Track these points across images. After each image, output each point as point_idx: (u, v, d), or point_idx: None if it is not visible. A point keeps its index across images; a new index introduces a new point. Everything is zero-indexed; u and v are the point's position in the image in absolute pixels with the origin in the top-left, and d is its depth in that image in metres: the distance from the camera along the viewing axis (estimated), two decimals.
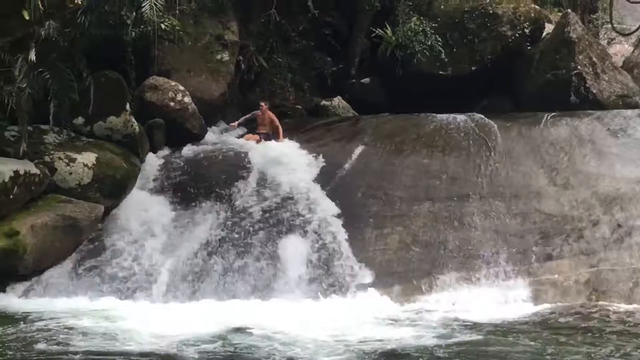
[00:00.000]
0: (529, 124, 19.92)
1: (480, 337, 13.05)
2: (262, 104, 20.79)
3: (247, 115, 21.15)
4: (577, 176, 18.18)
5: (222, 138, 20.79)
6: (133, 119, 18.74)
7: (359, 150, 19.47)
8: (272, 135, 20.63)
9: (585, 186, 17.91)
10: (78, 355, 11.49)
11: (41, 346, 11.99)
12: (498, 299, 15.73)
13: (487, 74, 23.35)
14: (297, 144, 19.84)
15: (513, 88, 23.78)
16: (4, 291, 16.03)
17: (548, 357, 11.75)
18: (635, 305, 15.25)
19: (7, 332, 13.02)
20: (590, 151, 18.82)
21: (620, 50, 26.12)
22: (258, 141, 20.29)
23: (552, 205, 17.63)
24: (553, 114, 20.19)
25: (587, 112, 20.38)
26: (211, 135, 20.69)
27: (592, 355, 11.73)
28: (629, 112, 20.51)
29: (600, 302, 15.44)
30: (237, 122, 21.10)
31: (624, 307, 15.17)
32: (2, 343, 12.33)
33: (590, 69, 22.13)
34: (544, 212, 17.50)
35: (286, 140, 20.25)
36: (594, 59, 22.42)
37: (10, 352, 11.75)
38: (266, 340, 12.55)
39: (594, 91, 21.78)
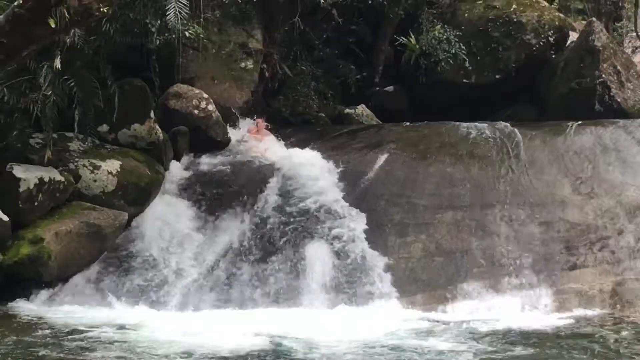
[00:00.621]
0: (553, 133, 19.86)
1: (505, 346, 13.02)
2: (259, 119, 20.64)
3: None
4: (602, 185, 18.10)
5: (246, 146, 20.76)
6: (157, 127, 18.77)
7: (382, 158, 19.42)
8: None
9: (609, 195, 17.82)
10: None
11: (62, 355, 12.05)
12: (522, 307, 15.65)
13: (511, 82, 23.33)
14: (320, 153, 19.76)
15: (537, 97, 23.72)
16: (28, 298, 16.07)
17: None
18: None
19: (30, 340, 13.03)
20: (615, 160, 18.74)
21: None
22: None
23: (576, 213, 17.54)
24: (577, 122, 20.10)
25: (612, 121, 20.32)
26: (235, 143, 20.63)
27: None
28: None
29: (624, 313, 15.38)
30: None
31: None
32: (24, 350, 12.37)
33: (615, 78, 22.05)
34: (568, 220, 17.41)
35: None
36: (619, 68, 22.35)
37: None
38: (292, 349, 12.56)
39: (619, 100, 21.72)
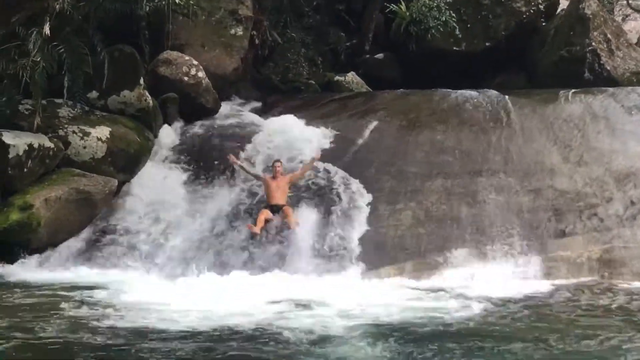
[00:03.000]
0: (543, 101, 19.87)
1: (493, 312, 13.08)
2: (278, 163, 17.26)
3: (253, 171, 17.86)
4: (591, 153, 18.10)
5: (235, 113, 20.66)
6: (147, 93, 18.74)
7: (372, 126, 19.42)
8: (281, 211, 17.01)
9: (598, 163, 17.83)
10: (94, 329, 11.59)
11: (56, 320, 12.07)
12: (511, 274, 15.67)
13: (501, 50, 23.32)
14: (310, 120, 19.69)
15: (527, 65, 23.70)
16: (16, 262, 16.06)
17: (558, 333, 11.79)
18: None
19: (21, 302, 13.18)
20: (604, 128, 18.74)
21: (636, 26, 26.04)
22: (267, 222, 16.65)
23: (565, 182, 17.55)
24: (567, 90, 20.08)
25: (601, 89, 20.30)
26: (225, 109, 20.58)
27: (601, 332, 11.74)
28: None
29: (612, 280, 15.42)
30: (238, 163, 17.88)
31: (636, 284, 15.10)
32: (16, 313, 12.46)
33: (605, 46, 22.04)
34: (557, 188, 17.42)
35: (297, 227, 16.51)
36: (609, 36, 22.34)
37: (22, 321, 11.85)
38: (288, 314, 12.60)
39: (608, 68, 21.72)
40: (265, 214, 16.66)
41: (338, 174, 17.87)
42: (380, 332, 11.65)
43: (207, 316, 12.33)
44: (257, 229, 16.22)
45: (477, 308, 13.21)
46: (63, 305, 13.09)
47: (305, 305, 13.02)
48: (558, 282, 15.34)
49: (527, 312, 13.12)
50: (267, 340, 11.17)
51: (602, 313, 13.02)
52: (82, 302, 13.40)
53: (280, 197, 17.02)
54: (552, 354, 10.59)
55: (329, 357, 10.40)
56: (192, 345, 10.91)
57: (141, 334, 11.43)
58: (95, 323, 11.80)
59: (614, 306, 13.41)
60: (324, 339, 11.23)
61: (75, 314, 12.64)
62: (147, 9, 19.13)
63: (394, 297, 14.06)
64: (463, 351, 10.74)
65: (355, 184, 17.63)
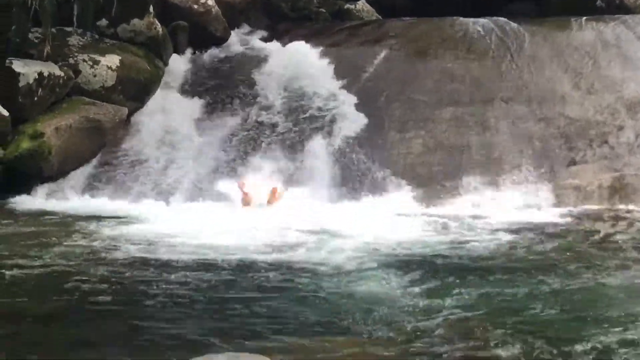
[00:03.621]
0: (554, 29, 19.67)
1: (503, 241, 13.11)
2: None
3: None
4: (602, 81, 18.00)
5: (245, 41, 20.53)
6: (156, 22, 18.58)
7: (382, 54, 19.25)
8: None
9: (610, 91, 17.74)
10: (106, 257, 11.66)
11: (64, 249, 12.15)
12: (521, 202, 15.69)
13: None
14: (320, 49, 19.54)
15: None
16: (29, 193, 16.10)
17: (568, 262, 11.83)
18: None
19: (28, 231, 13.27)
20: (616, 56, 18.59)
21: None
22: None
23: (576, 109, 17.48)
24: (578, 18, 19.88)
25: (614, 17, 20.06)
26: (234, 38, 20.44)
27: (609, 259, 11.81)
28: None
29: (622, 207, 15.44)
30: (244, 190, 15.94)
31: None
32: (22, 240, 12.59)
33: None
34: (568, 116, 17.36)
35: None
36: None
37: (27, 249, 12.01)
38: (304, 244, 12.66)
39: None
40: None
41: (346, 103, 17.81)
42: (392, 261, 11.70)
43: (219, 245, 12.40)
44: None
45: (487, 236, 13.26)
46: (70, 233, 13.20)
47: (320, 233, 13.08)
48: (568, 210, 15.35)
49: (537, 240, 13.15)
50: (285, 270, 11.24)
51: (610, 241, 13.09)
52: (90, 231, 13.50)
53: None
54: (563, 283, 10.63)
55: (350, 287, 10.45)
56: (208, 276, 10.95)
57: (150, 262, 11.48)
58: (103, 253, 11.87)
59: (622, 234, 13.47)
60: (339, 269, 11.29)
61: (82, 243, 12.71)
62: None
63: (404, 225, 14.12)
64: (476, 280, 10.79)
65: (365, 113, 17.56)
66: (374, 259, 11.85)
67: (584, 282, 10.59)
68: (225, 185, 16.04)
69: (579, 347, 8.00)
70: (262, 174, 16.08)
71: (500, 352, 8.04)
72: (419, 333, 8.66)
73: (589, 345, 8.11)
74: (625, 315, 8.86)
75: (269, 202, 15.44)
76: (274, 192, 15.62)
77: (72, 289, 10.20)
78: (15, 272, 10.92)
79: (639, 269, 11.20)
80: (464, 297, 9.87)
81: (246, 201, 15.25)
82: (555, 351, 7.89)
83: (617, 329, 8.44)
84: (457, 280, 10.66)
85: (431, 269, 11.39)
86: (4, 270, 10.91)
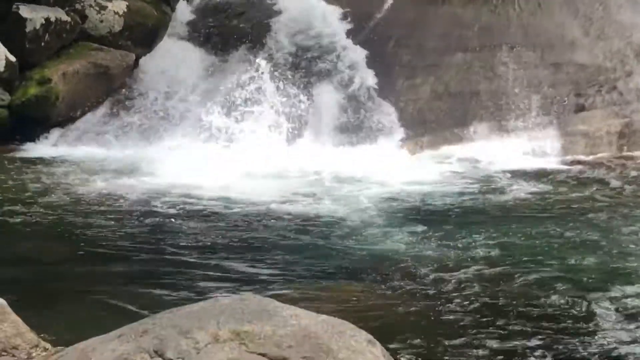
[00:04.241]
0: None
1: (511, 184, 13.22)
2: None
3: None
4: (612, 26, 17.83)
5: None
6: None
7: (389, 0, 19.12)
8: None
9: (619, 36, 17.59)
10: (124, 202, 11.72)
11: (70, 195, 12.21)
12: (529, 149, 15.73)
13: None
14: None
15: None
16: (37, 138, 16.08)
17: (578, 199, 11.98)
18: None
19: (33, 177, 13.37)
20: (626, 1, 18.42)
21: None
22: None
23: (585, 55, 17.35)
24: None
25: None
26: None
27: (622, 199, 11.94)
28: None
29: (632, 153, 15.43)
30: None
31: None
32: (27, 187, 12.74)
33: None
34: (577, 62, 17.25)
35: None
36: None
37: (39, 197, 12.10)
38: (320, 180, 12.77)
39: None
40: None
41: (354, 49, 17.70)
42: (402, 208, 11.75)
43: (230, 192, 12.46)
44: None
45: (493, 182, 13.35)
46: (75, 178, 13.26)
47: (333, 178, 13.10)
48: (577, 157, 15.37)
49: (544, 187, 13.25)
50: (293, 217, 11.28)
51: (617, 187, 13.14)
52: (99, 174, 13.56)
53: None
54: (570, 229, 10.69)
55: (365, 236, 10.48)
56: (215, 224, 10.99)
57: (156, 210, 11.52)
58: (109, 200, 11.92)
59: (631, 180, 13.49)
60: (350, 219, 11.32)
61: (87, 189, 12.80)
62: None
63: (414, 169, 14.18)
64: (487, 226, 10.84)
65: (373, 59, 17.46)
66: (383, 206, 11.89)
67: (600, 230, 10.66)
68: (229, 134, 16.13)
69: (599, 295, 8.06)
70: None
71: (513, 302, 8.06)
72: (426, 280, 8.68)
73: (614, 293, 8.17)
74: None
75: None
76: None
77: (78, 235, 10.24)
78: (20, 218, 10.97)
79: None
80: (476, 244, 9.92)
81: None
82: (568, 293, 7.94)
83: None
84: (466, 228, 10.72)
85: (441, 215, 11.44)
86: (8, 218, 10.96)
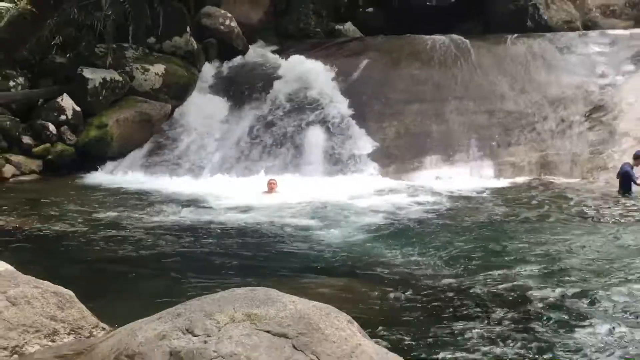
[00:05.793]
0: (495, 43, 19.57)
1: (456, 201, 13.27)
2: (273, 181, 14.14)
3: None
4: (531, 83, 17.96)
5: (260, 53, 20.37)
6: (192, 39, 18.56)
7: (364, 63, 19.14)
8: None
9: (537, 91, 17.71)
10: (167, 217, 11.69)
11: (113, 209, 12.26)
12: (470, 175, 15.79)
13: (464, 4, 22.80)
14: (317, 59, 19.30)
15: (483, 15, 23.18)
16: (96, 170, 16.09)
17: (507, 213, 12.04)
18: (572, 180, 15.30)
19: (93, 197, 13.43)
20: (542, 64, 18.54)
21: None
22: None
23: (511, 105, 17.46)
24: (513, 35, 19.80)
25: (540, 34, 19.99)
26: (252, 51, 20.30)
27: (540, 212, 12.04)
28: (572, 34, 20.14)
29: (546, 178, 15.47)
30: None
31: (564, 180, 15.26)
32: (87, 203, 12.73)
33: (543, 1, 21.61)
34: (505, 110, 17.35)
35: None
36: None
37: (90, 209, 12.17)
38: (306, 204, 12.83)
39: (545, 18, 21.30)
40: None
41: (337, 100, 17.74)
42: (373, 220, 11.75)
43: (246, 211, 12.46)
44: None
45: (444, 199, 13.38)
46: (125, 199, 13.30)
47: (316, 201, 13.07)
48: (506, 180, 15.43)
49: (482, 202, 13.31)
50: (290, 229, 11.25)
51: (537, 201, 13.22)
52: (142, 197, 13.57)
53: None
54: (501, 232, 10.72)
55: (339, 241, 10.46)
56: (232, 238, 10.93)
57: (183, 225, 11.52)
58: (154, 217, 11.91)
59: (546, 197, 13.55)
60: (331, 228, 11.32)
61: (134, 204, 12.85)
62: None
63: (383, 191, 14.20)
64: (436, 231, 10.85)
65: (351, 108, 17.49)
66: (358, 218, 11.87)
67: (516, 229, 10.75)
68: (242, 166, 16.17)
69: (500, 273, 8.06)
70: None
71: (457, 285, 8.05)
72: (394, 275, 8.68)
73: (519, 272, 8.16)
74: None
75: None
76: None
77: (128, 242, 10.23)
78: (83, 228, 10.95)
79: (557, 218, 11.70)
80: (431, 245, 9.94)
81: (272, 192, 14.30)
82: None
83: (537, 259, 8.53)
84: (425, 232, 10.75)
85: (403, 224, 11.43)
86: (72, 228, 10.94)
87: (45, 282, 5.89)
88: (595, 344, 6.39)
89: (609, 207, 12.53)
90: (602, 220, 11.50)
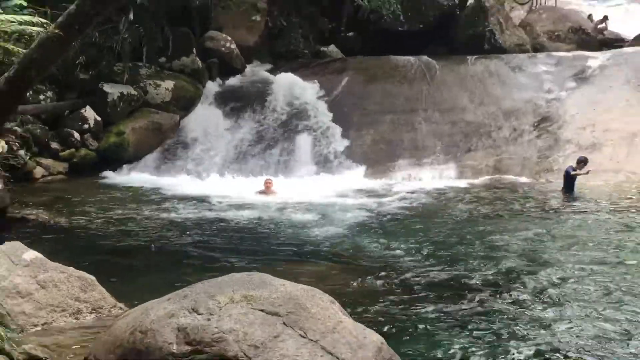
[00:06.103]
0: (458, 63, 19.57)
1: (425, 198, 13.36)
2: (269, 181, 13.88)
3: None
4: (488, 97, 18.01)
5: (255, 72, 20.29)
6: (197, 59, 18.46)
7: (345, 80, 19.12)
8: None
9: (493, 104, 17.77)
10: (178, 215, 11.65)
11: (129, 206, 12.22)
12: (436, 176, 15.85)
13: (431, 29, 22.74)
14: (305, 76, 19.23)
15: (448, 39, 23.14)
16: (114, 171, 16.04)
17: (468, 208, 12.11)
18: (523, 179, 15.43)
19: (111, 195, 13.46)
20: (497, 81, 18.60)
21: (518, 14, 25.52)
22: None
23: (471, 116, 17.51)
24: (473, 56, 19.84)
25: (496, 55, 20.04)
26: (249, 70, 20.24)
27: (495, 207, 12.11)
28: (523, 55, 20.22)
29: (501, 179, 15.55)
30: None
31: (515, 179, 15.46)
32: (105, 201, 12.70)
33: (498, 27, 21.64)
34: (466, 120, 17.39)
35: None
36: (501, 20, 21.95)
37: (108, 206, 12.14)
38: (292, 202, 12.82)
39: (500, 42, 21.31)
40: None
41: (322, 112, 17.75)
42: (353, 215, 11.77)
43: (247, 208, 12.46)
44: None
45: (414, 197, 13.46)
46: (139, 197, 13.32)
47: (307, 200, 13.10)
48: (466, 180, 15.50)
49: (446, 199, 13.37)
50: (281, 221, 11.23)
51: (492, 198, 13.38)
52: (155, 195, 13.54)
53: None
54: (463, 224, 10.77)
55: (323, 233, 10.46)
56: (232, 229, 10.93)
57: (189, 220, 11.49)
58: (164, 213, 11.89)
59: (500, 195, 13.67)
60: (315, 221, 11.33)
61: (147, 201, 12.82)
62: (198, 2, 18.85)
63: (361, 190, 14.25)
64: (407, 224, 10.88)
65: (334, 118, 17.49)
66: (339, 212, 11.90)
67: (475, 221, 10.76)
68: (240, 167, 16.19)
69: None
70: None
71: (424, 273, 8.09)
72: (374, 261, 8.71)
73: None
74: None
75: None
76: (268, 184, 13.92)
77: (143, 233, 10.21)
78: (101, 221, 10.93)
79: (509, 211, 11.89)
80: (403, 237, 9.97)
81: (268, 190, 13.71)
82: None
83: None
84: (398, 225, 10.81)
85: (380, 218, 11.48)
86: (93, 221, 10.93)
87: (70, 268, 5.91)
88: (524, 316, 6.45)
89: (551, 203, 12.83)
90: (544, 214, 11.76)
